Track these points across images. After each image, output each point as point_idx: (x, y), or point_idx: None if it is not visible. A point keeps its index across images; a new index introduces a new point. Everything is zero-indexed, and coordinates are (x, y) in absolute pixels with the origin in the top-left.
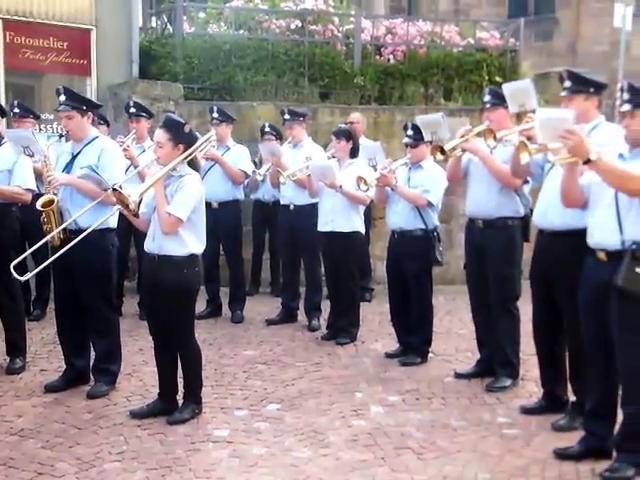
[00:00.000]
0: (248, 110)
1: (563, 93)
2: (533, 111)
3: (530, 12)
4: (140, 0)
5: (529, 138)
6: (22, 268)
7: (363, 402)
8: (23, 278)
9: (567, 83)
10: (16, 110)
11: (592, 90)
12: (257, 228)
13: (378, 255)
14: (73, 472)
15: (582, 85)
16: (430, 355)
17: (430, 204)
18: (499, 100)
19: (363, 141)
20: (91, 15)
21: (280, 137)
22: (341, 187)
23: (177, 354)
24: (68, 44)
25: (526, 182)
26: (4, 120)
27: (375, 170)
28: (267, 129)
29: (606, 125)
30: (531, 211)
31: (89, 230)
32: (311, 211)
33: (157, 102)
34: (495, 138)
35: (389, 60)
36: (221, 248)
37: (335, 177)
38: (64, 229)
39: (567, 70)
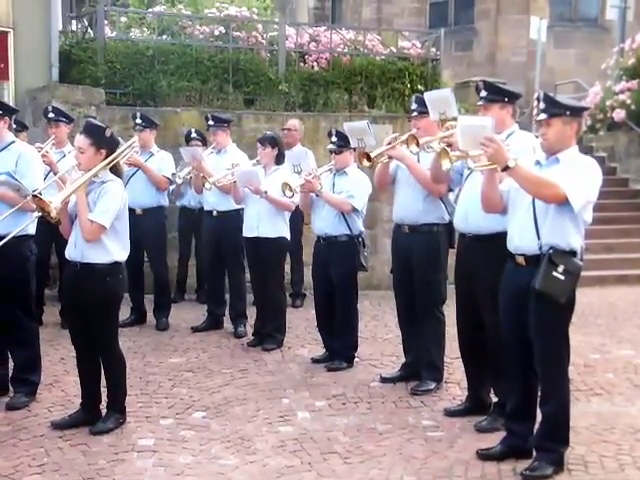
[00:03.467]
0: (172, 116)
1: (480, 102)
2: (453, 119)
3: (450, 22)
4: (60, 3)
5: (449, 145)
6: None
7: (290, 408)
8: None
9: (483, 92)
10: None
11: (507, 99)
12: (183, 235)
13: (304, 261)
14: None
15: (497, 94)
16: (356, 360)
17: (355, 209)
18: (426, 108)
19: (298, 148)
20: (8, 17)
21: (205, 143)
22: (266, 193)
23: (100, 363)
24: None
25: (451, 190)
26: None
27: (300, 176)
28: (193, 134)
29: (520, 133)
30: None
31: (9, 237)
32: (235, 217)
33: (78, 107)
34: (418, 144)
35: (313, 67)
36: (145, 255)
37: (260, 183)
38: None
39: (483, 80)
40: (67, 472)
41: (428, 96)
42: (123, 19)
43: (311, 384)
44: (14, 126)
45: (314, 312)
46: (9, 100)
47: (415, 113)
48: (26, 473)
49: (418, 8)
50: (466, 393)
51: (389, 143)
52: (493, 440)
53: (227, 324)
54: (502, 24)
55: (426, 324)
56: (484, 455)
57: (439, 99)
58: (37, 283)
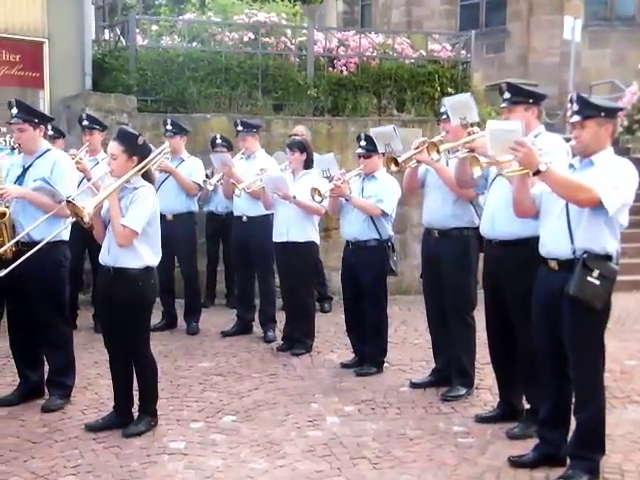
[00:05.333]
0: (202, 122)
1: (503, 104)
2: (474, 124)
3: (481, 24)
4: (93, 13)
5: (472, 150)
6: None
7: (319, 413)
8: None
9: (507, 94)
10: None
11: (531, 101)
12: (210, 240)
13: (333, 266)
14: None
15: (521, 96)
16: (385, 365)
17: (384, 214)
18: None
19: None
20: (44, 28)
21: (231, 148)
22: (294, 198)
23: (132, 366)
24: (21, 57)
25: (482, 193)
26: None
27: (329, 181)
28: (218, 140)
29: (547, 135)
30: None
31: (43, 242)
32: (264, 222)
33: (110, 114)
34: (438, 151)
35: (342, 72)
36: (176, 260)
37: (288, 188)
38: (17, 242)
39: (506, 82)
40: (100, 473)
41: (448, 101)
42: (154, 27)
43: (340, 389)
44: (51, 133)
45: (343, 317)
46: (44, 108)
47: (445, 116)
48: (61, 474)
49: (448, 10)
50: (497, 399)
51: (417, 147)
52: (525, 447)
53: (256, 329)
54: (535, 25)
55: (456, 329)
56: (516, 462)
57: (459, 104)
58: (71, 288)
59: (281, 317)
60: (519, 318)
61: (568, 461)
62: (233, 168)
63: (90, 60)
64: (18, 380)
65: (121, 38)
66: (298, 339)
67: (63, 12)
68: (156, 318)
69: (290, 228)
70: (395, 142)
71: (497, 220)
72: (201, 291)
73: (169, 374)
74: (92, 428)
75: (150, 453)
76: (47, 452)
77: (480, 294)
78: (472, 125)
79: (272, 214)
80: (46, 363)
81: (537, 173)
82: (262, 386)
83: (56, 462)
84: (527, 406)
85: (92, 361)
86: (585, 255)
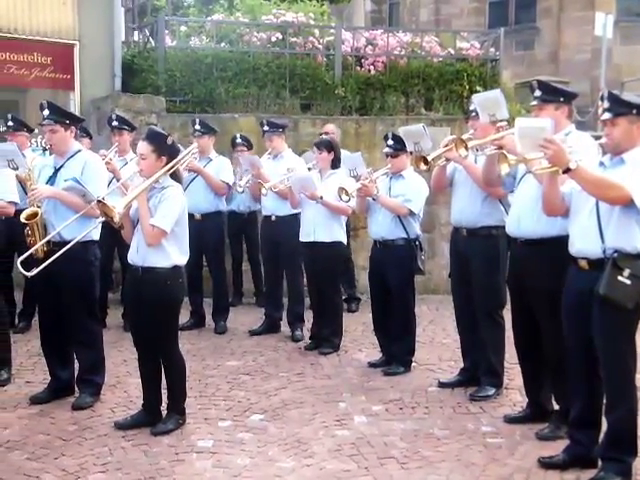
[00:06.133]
0: (230, 122)
1: (534, 102)
2: (504, 121)
3: (511, 22)
4: (123, 15)
5: (500, 147)
6: (6, 281)
7: (346, 412)
8: (30, 273)
9: (537, 92)
10: (10, 123)
11: (562, 99)
12: (233, 239)
13: (361, 265)
14: None
15: (552, 94)
16: (413, 364)
17: (412, 213)
18: None
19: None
20: (74, 30)
21: (251, 147)
22: (321, 198)
23: (161, 365)
24: (52, 59)
25: (511, 191)
26: None
27: (356, 180)
28: (238, 140)
29: (577, 133)
30: None
31: (74, 242)
32: (293, 222)
33: (140, 115)
34: (466, 148)
35: (370, 71)
36: (204, 259)
37: (315, 188)
38: (48, 241)
39: (537, 80)
40: (129, 471)
41: (477, 98)
42: (183, 28)
43: (368, 388)
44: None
45: (371, 316)
46: (75, 110)
47: (473, 114)
48: (91, 471)
49: (477, 8)
50: (527, 399)
51: (446, 145)
52: (555, 448)
53: (284, 328)
54: (565, 21)
55: (485, 329)
56: (546, 464)
57: (488, 101)
58: (100, 287)
59: (309, 316)
60: (544, 318)
61: (599, 463)
62: (262, 169)
63: (120, 62)
64: (49, 378)
65: (150, 39)
66: (326, 338)
67: (93, 14)
68: (184, 317)
69: (317, 228)
70: (425, 140)
71: (523, 219)
72: (229, 290)
73: (197, 373)
74: (121, 426)
75: (178, 451)
76: (77, 449)
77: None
78: (501, 122)
79: (300, 213)
80: (76, 361)
81: (567, 171)
82: (289, 385)
83: (86, 459)
84: (557, 407)
85: (121, 359)
86: (615, 254)
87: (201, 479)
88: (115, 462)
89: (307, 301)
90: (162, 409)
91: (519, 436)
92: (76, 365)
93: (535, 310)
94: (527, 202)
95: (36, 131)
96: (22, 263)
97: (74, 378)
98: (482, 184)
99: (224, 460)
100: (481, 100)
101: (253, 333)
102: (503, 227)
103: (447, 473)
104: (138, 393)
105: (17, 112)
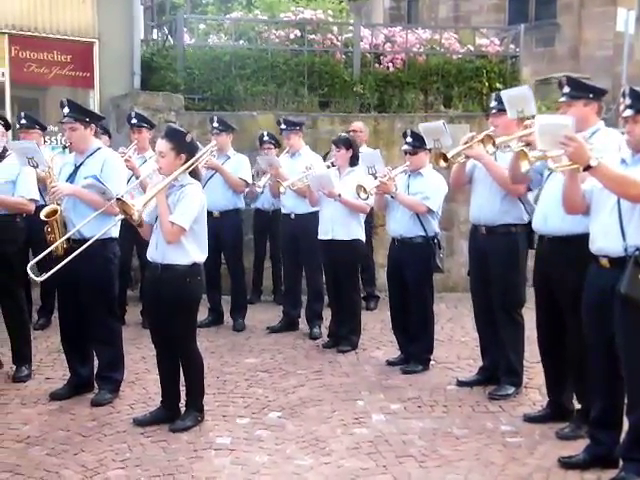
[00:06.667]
0: (248, 120)
1: (562, 99)
2: (532, 117)
3: (531, 18)
4: (142, 13)
5: (528, 144)
6: (25, 278)
7: (364, 410)
8: (40, 278)
9: (566, 89)
10: (23, 121)
11: (591, 96)
12: (258, 236)
13: (380, 263)
14: (78, 479)
15: (581, 91)
16: (432, 363)
17: (430, 211)
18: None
19: (364, 149)
20: (94, 29)
21: (279, 145)
22: (340, 196)
23: (179, 362)
24: (72, 57)
25: (530, 189)
26: (8, 132)
27: (375, 178)
28: (266, 138)
29: (605, 130)
30: None
31: (93, 239)
32: (312, 220)
33: (158, 113)
34: (494, 144)
35: (388, 68)
36: (222, 257)
37: (333, 186)
38: (67, 239)
39: (566, 76)
40: (148, 467)
41: (505, 94)
42: (201, 26)
43: (386, 386)
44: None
45: (389, 314)
46: (94, 108)
47: (494, 110)
48: (110, 467)
49: (497, 4)
50: (547, 399)
51: (466, 142)
52: (576, 448)
53: (302, 325)
54: (586, 17)
55: (504, 327)
56: (566, 463)
57: (517, 97)
58: (119, 284)
59: (327, 314)
60: (571, 315)
61: (621, 463)
62: (280, 168)
63: (139, 60)
64: (69, 374)
65: (169, 37)
66: (344, 336)
67: (113, 13)
68: (203, 315)
69: (335, 226)
70: (445, 137)
71: (550, 216)
72: (247, 287)
73: (215, 370)
74: (140, 422)
75: (197, 448)
76: (96, 445)
77: (529, 292)
78: (528, 118)
79: (319, 211)
80: (96, 358)
81: (588, 168)
82: (308, 383)
83: (105, 455)
84: (578, 406)
85: (140, 356)
86: (637, 252)
87: (219, 476)
88: (134, 458)
89: (326, 299)
90: (181, 406)
91: (538, 435)
92: (95, 362)
93: (561, 308)
94: (554, 199)
95: (52, 128)
96: (32, 266)
97: (93, 375)
98: (503, 182)
99: (242, 457)
100: (510, 96)
101: (271, 330)
102: (522, 225)
103: (466, 472)
104: (157, 390)
105: (37, 110)
